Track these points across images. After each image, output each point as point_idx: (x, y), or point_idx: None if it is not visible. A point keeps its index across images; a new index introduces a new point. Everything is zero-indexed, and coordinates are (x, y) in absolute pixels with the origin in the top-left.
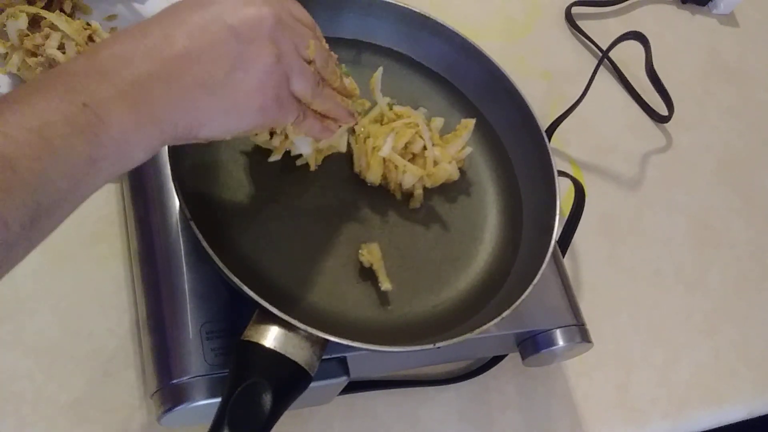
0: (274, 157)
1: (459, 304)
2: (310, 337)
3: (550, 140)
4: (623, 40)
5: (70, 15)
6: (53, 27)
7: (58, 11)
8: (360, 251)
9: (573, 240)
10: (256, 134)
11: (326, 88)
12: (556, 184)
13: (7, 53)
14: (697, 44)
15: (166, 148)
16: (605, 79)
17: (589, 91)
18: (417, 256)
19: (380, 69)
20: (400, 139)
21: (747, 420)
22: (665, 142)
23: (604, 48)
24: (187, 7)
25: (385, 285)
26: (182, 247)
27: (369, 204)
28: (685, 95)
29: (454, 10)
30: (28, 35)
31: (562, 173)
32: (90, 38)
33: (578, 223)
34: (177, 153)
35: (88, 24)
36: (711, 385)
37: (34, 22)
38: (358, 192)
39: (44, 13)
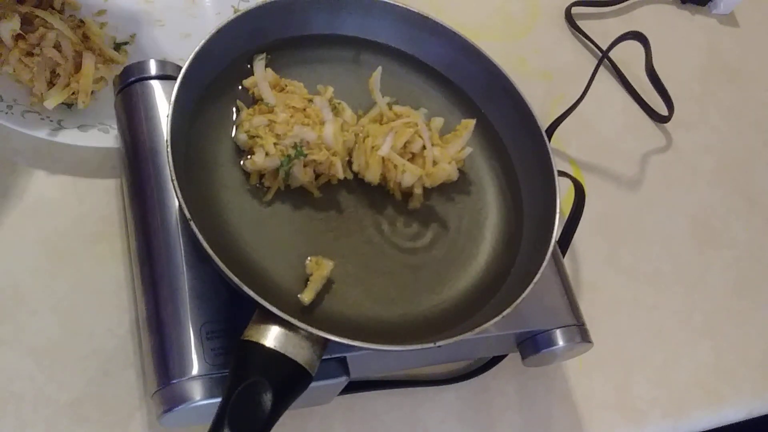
0: (268, 197)
1: (459, 303)
2: (310, 337)
3: (550, 140)
4: (623, 40)
5: (60, 11)
6: (47, 26)
7: (50, 9)
8: (308, 259)
9: (573, 240)
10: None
11: None
12: (556, 184)
13: (0, 54)
14: (697, 44)
15: (167, 148)
16: (605, 79)
17: (589, 91)
18: (417, 255)
19: (379, 68)
20: (399, 138)
21: (747, 420)
22: (665, 142)
23: (604, 48)
24: None
25: (303, 296)
26: (182, 247)
27: (368, 203)
28: (685, 95)
29: (454, 10)
30: (22, 35)
31: (562, 173)
32: (84, 35)
33: (578, 223)
34: (177, 153)
35: (81, 21)
36: (711, 385)
37: (27, 21)
38: (357, 191)
39: (38, 12)
